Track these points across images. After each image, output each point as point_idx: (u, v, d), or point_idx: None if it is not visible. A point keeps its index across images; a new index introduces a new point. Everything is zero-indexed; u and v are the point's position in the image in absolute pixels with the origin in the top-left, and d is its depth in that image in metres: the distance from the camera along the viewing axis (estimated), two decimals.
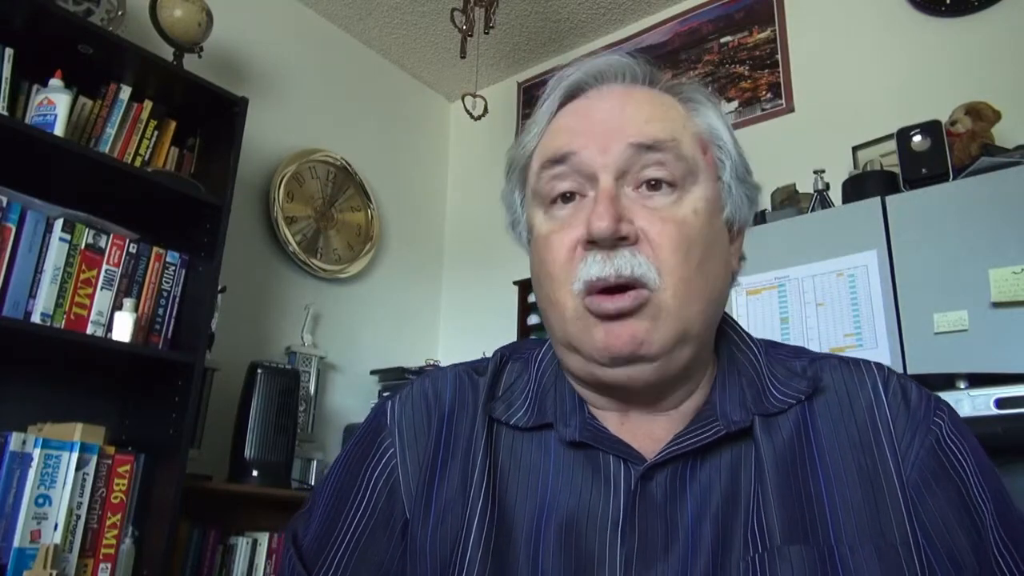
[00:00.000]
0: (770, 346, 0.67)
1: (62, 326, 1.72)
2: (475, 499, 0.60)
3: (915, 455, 0.58)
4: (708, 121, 0.64)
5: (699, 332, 0.59)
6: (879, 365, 0.64)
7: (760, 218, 1.99)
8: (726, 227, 0.63)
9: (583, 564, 0.56)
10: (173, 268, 1.96)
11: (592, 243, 0.57)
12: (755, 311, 1.82)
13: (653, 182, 0.59)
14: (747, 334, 0.67)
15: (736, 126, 2.60)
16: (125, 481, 1.73)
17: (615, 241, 0.57)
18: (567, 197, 0.61)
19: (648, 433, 0.61)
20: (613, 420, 0.62)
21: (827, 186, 1.96)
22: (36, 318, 1.68)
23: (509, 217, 0.70)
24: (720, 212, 0.62)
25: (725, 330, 0.66)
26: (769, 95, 2.54)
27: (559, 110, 0.64)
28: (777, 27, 2.58)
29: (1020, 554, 0.56)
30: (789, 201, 2.08)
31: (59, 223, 1.74)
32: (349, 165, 2.94)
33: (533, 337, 2.87)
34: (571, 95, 0.64)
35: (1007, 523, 0.57)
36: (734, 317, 1.92)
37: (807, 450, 0.59)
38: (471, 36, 2.36)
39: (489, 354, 0.72)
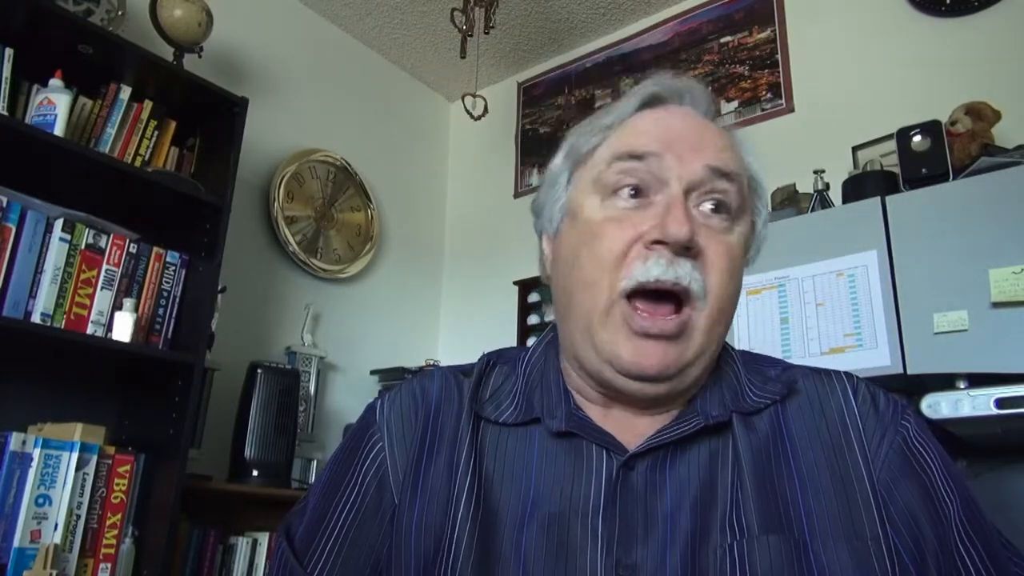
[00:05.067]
0: (747, 356, 0.71)
1: (62, 326, 1.72)
2: (460, 489, 0.63)
3: (884, 455, 0.61)
4: (755, 169, 0.69)
5: (713, 352, 0.63)
6: (848, 374, 0.67)
7: None
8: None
9: (565, 549, 0.59)
10: (173, 268, 1.96)
11: (659, 244, 0.59)
12: (755, 311, 1.82)
13: (715, 205, 0.62)
14: (727, 344, 0.71)
15: (736, 126, 2.61)
16: (125, 481, 1.73)
17: (682, 249, 0.59)
18: (632, 193, 0.63)
19: (630, 427, 0.64)
20: (597, 413, 0.66)
21: (827, 186, 1.96)
22: (36, 318, 1.68)
23: (544, 195, 0.71)
24: (747, 251, 0.67)
25: None
26: (769, 95, 2.54)
27: (635, 112, 0.67)
28: (777, 27, 2.58)
29: (985, 549, 0.58)
30: (789, 201, 2.08)
31: (59, 223, 1.74)
32: (349, 165, 2.94)
33: (532, 338, 2.87)
34: (650, 103, 0.67)
35: (973, 521, 0.59)
36: (734, 317, 1.90)
37: (782, 450, 0.62)
38: (471, 36, 2.36)
39: None
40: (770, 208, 0.69)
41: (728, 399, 0.64)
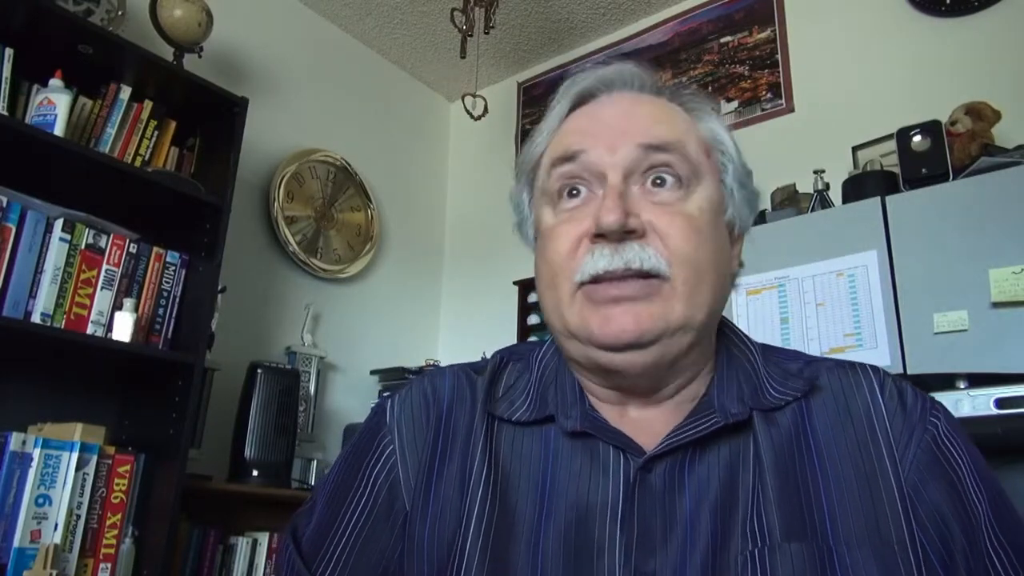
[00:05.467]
0: (766, 349, 0.69)
1: (62, 326, 1.72)
2: (474, 493, 0.61)
3: (912, 454, 0.59)
4: (711, 127, 0.66)
5: (701, 322, 0.60)
6: (874, 368, 0.65)
7: (760, 218, 1.99)
8: (727, 229, 0.65)
9: (584, 553, 0.57)
10: (173, 268, 1.96)
11: (600, 236, 0.59)
12: (755, 311, 1.82)
13: (659, 180, 0.61)
14: (745, 336, 0.69)
15: (736, 126, 2.62)
16: (125, 481, 1.73)
17: (623, 235, 0.58)
18: (574, 193, 0.63)
19: (646, 428, 0.62)
20: (612, 414, 0.64)
21: (827, 186, 1.96)
22: (36, 318, 1.68)
23: (516, 217, 0.72)
24: (723, 213, 0.65)
25: (723, 331, 0.68)
26: (769, 95, 2.54)
27: (569, 114, 0.67)
28: (777, 27, 2.58)
29: (1016, 553, 0.56)
30: (789, 201, 2.08)
31: (59, 223, 1.74)
32: (349, 165, 2.94)
33: (533, 338, 2.87)
34: (581, 100, 0.67)
35: (1003, 522, 0.57)
36: (734, 317, 1.92)
37: (805, 448, 0.60)
38: (471, 36, 2.36)
39: (489, 355, 0.74)
40: (740, 162, 0.65)
41: (747, 394, 0.62)
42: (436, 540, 0.61)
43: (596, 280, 0.59)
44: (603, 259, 0.58)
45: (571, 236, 0.61)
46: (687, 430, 0.60)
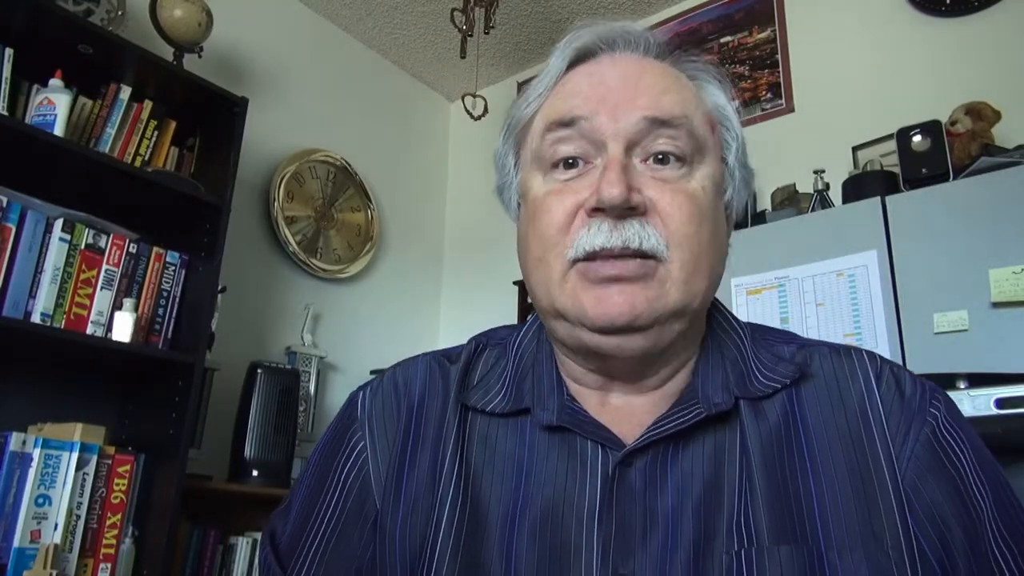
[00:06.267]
0: (757, 330, 0.65)
1: (62, 326, 1.72)
2: (446, 489, 0.59)
3: (910, 450, 0.55)
4: (716, 100, 0.63)
5: (697, 308, 0.57)
6: (871, 354, 0.61)
7: (760, 218, 1.99)
8: (725, 210, 0.62)
9: (558, 553, 0.54)
10: (173, 268, 1.96)
11: (598, 211, 0.55)
12: (755, 311, 1.82)
13: (662, 156, 0.57)
14: (733, 317, 0.65)
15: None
16: (125, 481, 1.73)
17: (624, 211, 0.54)
18: (570, 163, 0.58)
19: (629, 417, 0.59)
20: (593, 401, 0.61)
21: (827, 186, 1.96)
22: (36, 318, 1.68)
23: (499, 180, 0.68)
24: (722, 194, 0.61)
25: (712, 313, 0.64)
26: (769, 95, 2.54)
27: (567, 72, 0.62)
28: (777, 27, 2.58)
29: (1020, 549, 0.53)
30: (789, 201, 2.08)
31: (59, 223, 1.74)
32: (349, 165, 2.94)
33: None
34: (581, 58, 0.62)
35: (1007, 517, 0.54)
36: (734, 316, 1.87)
37: (795, 442, 0.56)
38: (471, 36, 2.36)
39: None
40: (742, 138, 0.63)
41: (732, 381, 0.58)
42: (407, 537, 0.58)
43: (590, 257, 0.55)
44: (600, 235, 0.54)
45: (565, 208, 0.57)
46: (668, 422, 0.56)
